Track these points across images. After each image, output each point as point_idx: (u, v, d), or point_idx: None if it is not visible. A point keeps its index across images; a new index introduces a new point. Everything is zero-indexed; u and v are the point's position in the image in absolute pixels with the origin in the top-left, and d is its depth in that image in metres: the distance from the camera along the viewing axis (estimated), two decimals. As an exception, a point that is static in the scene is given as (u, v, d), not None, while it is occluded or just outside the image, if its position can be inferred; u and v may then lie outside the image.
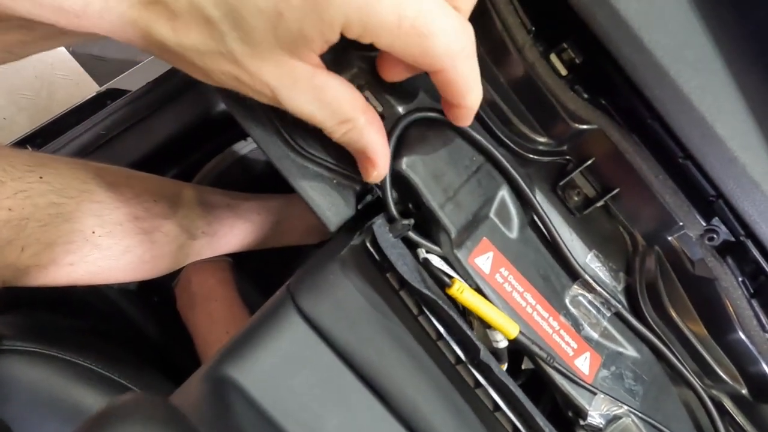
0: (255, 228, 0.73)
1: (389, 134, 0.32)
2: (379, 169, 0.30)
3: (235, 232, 0.71)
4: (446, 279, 0.32)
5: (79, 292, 0.72)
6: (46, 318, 0.67)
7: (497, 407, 0.34)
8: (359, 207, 0.34)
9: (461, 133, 0.35)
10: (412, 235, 0.33)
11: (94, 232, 0.52)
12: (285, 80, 0.26)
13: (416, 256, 0.33)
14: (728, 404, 0.40)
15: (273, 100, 0.27)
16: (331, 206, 0.32)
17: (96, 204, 0.52)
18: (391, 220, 0.33)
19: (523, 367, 0.36)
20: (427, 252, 0.33)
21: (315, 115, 0.28)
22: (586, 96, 0.35)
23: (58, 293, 0.59)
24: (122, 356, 0.69)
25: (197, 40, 0.25)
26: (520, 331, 0.33)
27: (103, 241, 0.53)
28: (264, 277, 0.84)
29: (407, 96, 0.33)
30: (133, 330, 0.79)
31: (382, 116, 0.33)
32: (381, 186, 0.32)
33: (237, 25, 0.25)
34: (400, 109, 0.33)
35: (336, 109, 0.28)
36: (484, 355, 0.32)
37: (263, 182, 0.81)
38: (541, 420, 0.33)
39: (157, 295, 0.81)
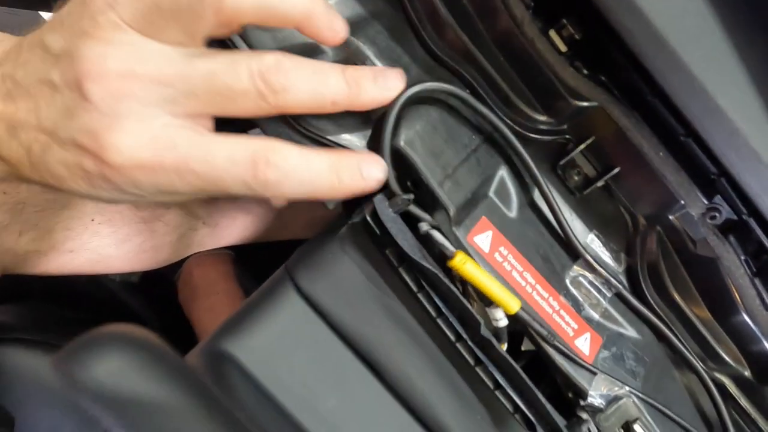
0: (257, 219, 0.73)
1: (390, 109, 0.31)
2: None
3: (236, 223, 0.71)
4: (448, 251, 0.31)
5: (81, 284, 0.72)
6: (48, 309, 0.67)
7: (498, 385, 0.33)
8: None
9: (469, 106, 0.35)
10: (413, 209, 0.32)
11: (93, 220, 0.52)
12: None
13: (417, 231, 0.33)
14: (731, 387, 0.40)
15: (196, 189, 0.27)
16: None
17: None
18: (391, 195, 0.33)
19: (522, 349, 0.36)
20: (431, 226, 0.33)
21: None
22: (585, 72, 0.35)
23: (61, 284, 0.59)
24: (124, 348, 0.69)
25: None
26: (521, 307, 0.32)
27: (102, 228, 0.52)
28: (266, 270, 0.83)
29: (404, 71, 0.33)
30: (134, 322, 0.79)
31: None
32: None
33: None
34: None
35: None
36: (484, 330, 0.32)
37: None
38: (542, 398, 0.33)
39: (159, 288, 0.81)
